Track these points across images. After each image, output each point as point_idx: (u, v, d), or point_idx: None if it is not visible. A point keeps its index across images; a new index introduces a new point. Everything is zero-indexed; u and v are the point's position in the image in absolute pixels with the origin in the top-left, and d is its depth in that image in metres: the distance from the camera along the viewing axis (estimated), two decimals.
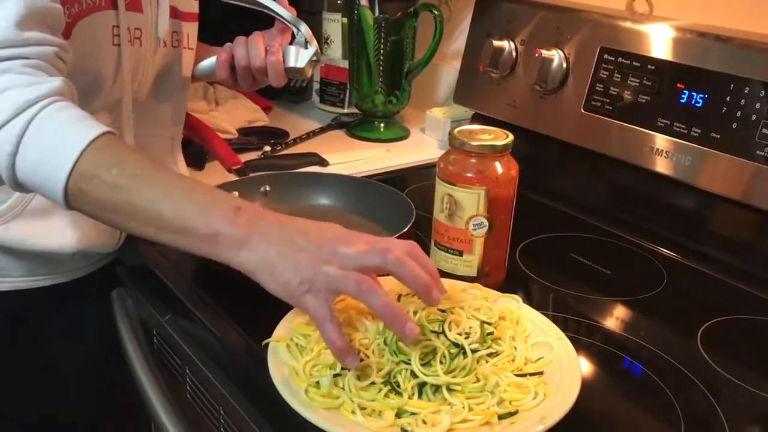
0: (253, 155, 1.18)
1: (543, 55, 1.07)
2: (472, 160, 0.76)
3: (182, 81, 0.94)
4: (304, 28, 0.88)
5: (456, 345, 0.62)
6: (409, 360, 0.60)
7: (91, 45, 0.78)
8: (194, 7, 0.93)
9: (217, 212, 0.62)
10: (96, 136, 0.63)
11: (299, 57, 0.87)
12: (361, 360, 0.61)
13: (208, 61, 0.92)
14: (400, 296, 0.69)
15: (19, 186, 0.66)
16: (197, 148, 1.13)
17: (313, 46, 0.88)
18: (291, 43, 0.89)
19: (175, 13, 0.88)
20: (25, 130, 0.62)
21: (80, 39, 0.75)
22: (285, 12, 0.87)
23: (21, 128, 0.62)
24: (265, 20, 0.91)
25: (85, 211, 0.65)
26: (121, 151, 0.65)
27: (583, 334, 0.74)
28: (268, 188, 0.97)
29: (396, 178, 1.15)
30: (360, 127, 1.35)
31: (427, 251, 0.83)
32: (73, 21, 0.75)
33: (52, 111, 0.63)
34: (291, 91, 1.53)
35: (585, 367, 0.69)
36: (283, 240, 0.61)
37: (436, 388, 0.59)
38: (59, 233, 0.82)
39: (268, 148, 1.21)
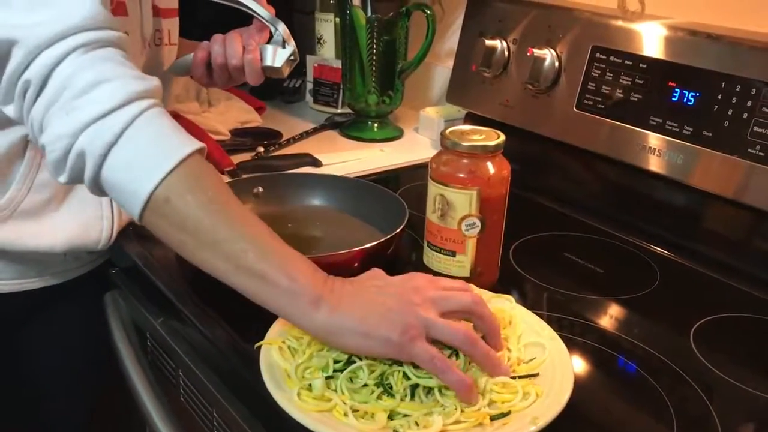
0: (246, 156, 1.18)
1: (535, 54, 1.07)
2: (464, 161, 0.76)
3: (165, 78, 0.94)
4: (282, 28, 0.88)
5: (448, 347, 0.62)
6: (402, 362, 0.60)
7: None
8: (173, 3, 0.93)
9: (300, 269, 0.59)
10: (196, 149, 0.60)
11: (276, 56, 0.88)
12: (354, 362, 0.61)
13: (184, 59, 0.92)
14: None
15: (95, 183, 0.61)
16: None
17: (291, 46, 0.88)
18: (269, 42, 0.89)
19: (156, 11, 0.88)
20: (132, 122, 0.59)
21: None
22: (263, 11, 0.87)
23: (128, 119, 0.59)
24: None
25: (159, 225, 0.60)
26: (217, 176, 0.62)
27: (576, 334, 0.74)
28: (260, 189, 0.97)
29: (389, 178, 1.15)
30: (353, 127, 1.35)
31: (420, 251, 0.83)
32: None
33: (158, 112, 0.61)
34: (284, 92, 1.53)
35: (578, 366, 0.69)
36: (363, 295, 0.59)
37: (429, 390, 0.59)
38: (50, 233, 0.82)
39: (261, 149, 1.21)
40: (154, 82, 0.63)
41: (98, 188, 0.62)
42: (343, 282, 0.61)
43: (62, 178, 0.62)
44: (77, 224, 0.83)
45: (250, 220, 0.62)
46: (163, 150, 0.59)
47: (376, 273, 0.65)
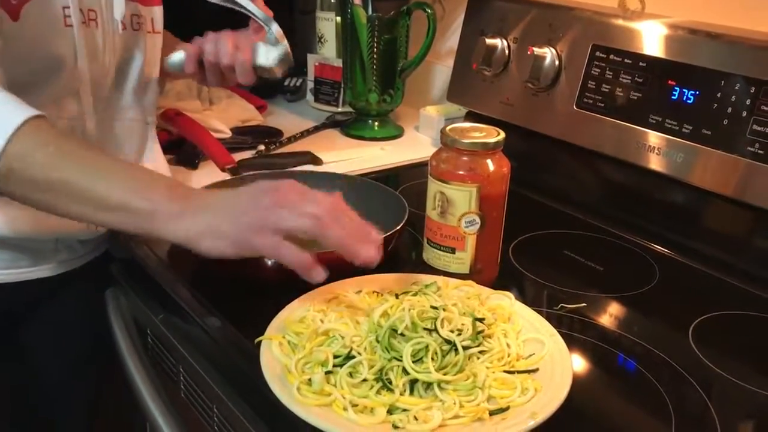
0: (247, 154, 1.18)
1: (535, 52, 1.07)
2: (464, 158, 0.76)
3: (148, 65, 0.92)
4: (275, 28, 0.88)
5: (448, 342, 0.63)
6: (401, 357, 0.61)
7: (42, 27, 0.76)
8: None
9: (155, 189, 0.63)
10: (28, 117, 0.62)
11: (268, 55, 0.88)
12: (354, 357, 0.62)
13: (178, 55, 0.91)
14: (397, 295, 0.70)
15: None
16: (191, 148, 1.13)
17: (283, 45, 0.88)
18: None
19: None
20: None
21: (30, 21, 0.74)
22: (256, 10, 0.87)
23: None
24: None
25: (16, 193, 0.64)
26: (54, 133, 0.64)
27: (576, 330, 0.74)
28: None
29: (390, 177, 1.15)
30: (354, 126, 1.35)
31: (420, 249, 0.84)
32: (20, 3, 0.73)
33: None
34: (285, 90, 1.53)
35: (577, 363, 0.69)
36: (222, 205, 0.63)
37: (428, 385, 0.60)
38: (35, 217, 0.81)
39: (262, 147, 1.21)
40: None
41: None
42: (204, 193, 0.65)
43: None
44: None
45: (98, 159, 0.65)
46: None
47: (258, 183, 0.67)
